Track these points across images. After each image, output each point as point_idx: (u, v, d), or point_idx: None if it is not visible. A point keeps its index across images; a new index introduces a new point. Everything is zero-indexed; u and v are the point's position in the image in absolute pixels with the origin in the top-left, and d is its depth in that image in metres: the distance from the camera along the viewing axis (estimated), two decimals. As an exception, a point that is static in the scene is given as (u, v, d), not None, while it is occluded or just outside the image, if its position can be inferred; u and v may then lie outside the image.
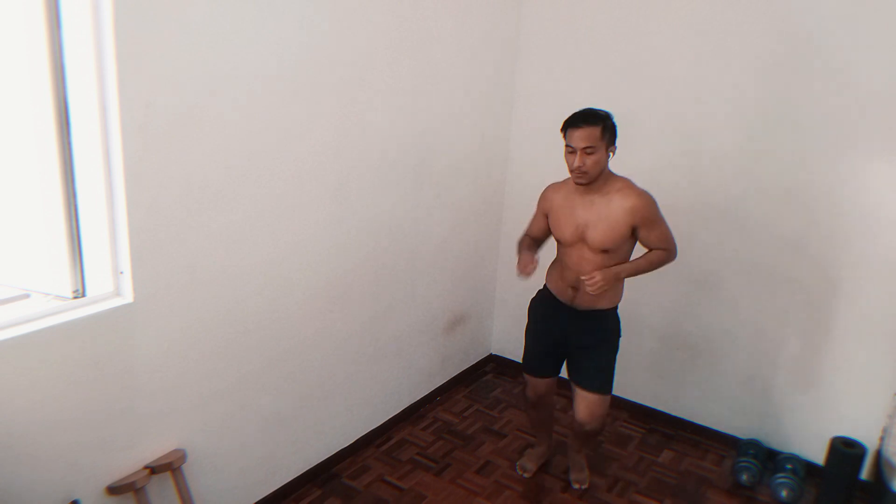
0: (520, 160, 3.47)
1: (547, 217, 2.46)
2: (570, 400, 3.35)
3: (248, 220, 2.12)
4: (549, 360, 2.59)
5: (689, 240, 3.00)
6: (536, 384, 2.63)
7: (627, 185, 2.27)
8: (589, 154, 2.18)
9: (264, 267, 2.22)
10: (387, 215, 2.73)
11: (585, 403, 2.45)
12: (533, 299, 2.62)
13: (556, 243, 2.48)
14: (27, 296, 1.79)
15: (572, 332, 2.46)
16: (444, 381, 3.45)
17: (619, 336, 2.47)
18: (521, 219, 3.52)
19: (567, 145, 2.23)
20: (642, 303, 3.11)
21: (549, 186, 2.47)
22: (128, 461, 1.92)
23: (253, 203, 2.12)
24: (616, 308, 2.45)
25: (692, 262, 3.03)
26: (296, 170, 2.25)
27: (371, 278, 2.73)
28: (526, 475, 2.76)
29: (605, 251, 2.28)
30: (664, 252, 2.31)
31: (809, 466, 2.81)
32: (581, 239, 2.32)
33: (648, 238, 2.28)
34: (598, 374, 2.44)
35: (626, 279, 2.35)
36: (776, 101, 2.70)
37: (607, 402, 2.47)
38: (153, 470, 1.95)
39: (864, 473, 2.69)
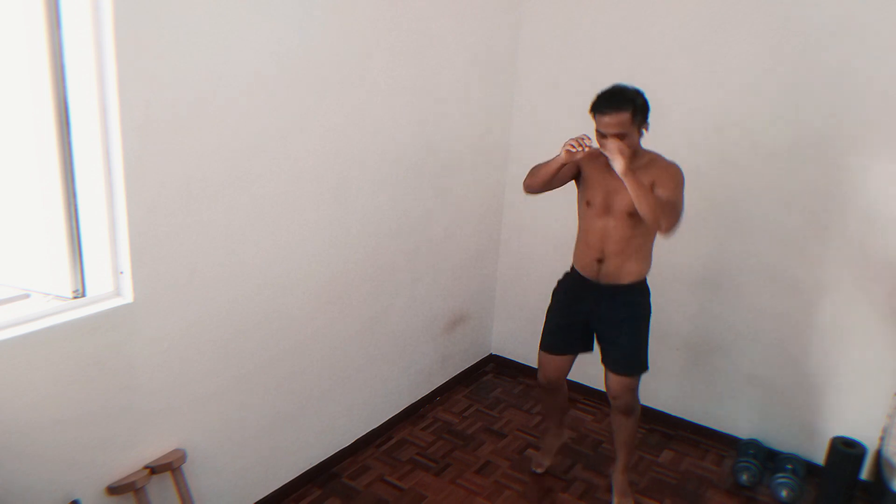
0: (520, 160, 3.47)
1: (579, 168, 2.36)
2: (572, 401, 3.37)
3: (248, 220, 2.12)
4: (567, 337, 2.52)
5: (689, 240, 3.00)
6: (548, 365, 2.57)
7: (656, 158, 2.26)
8: (620, 139, 2.12)
9: (264, 267, 2.22)
10: (386, 215, 2.73)
11: (615, 382, 2.43)
12: (559, 280, 2.57)
13: (579, 219, 2.43)
14: (27, 296, 1.79)
15: (598, 310, 2.41)
16: (444, 381, 3.45)
17: (648, 311, 2.41)
18: (521, 219, 3.54)
19: (597, 129, 2.17)
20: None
21: (584, 136, 2.32)
22: (128, 461, 1.92)
23: (253, 203, 2.12)
24: (643, 281, 2.40)
25: (693, 263, 3.04)
26: (295, 169, 2.25)
27: (371, 278, 2.73)
28: (540, 471, 2.75)
29: (630, 215, 2.24)
30: (668, 205, 2.17)
31: (809, 466, 2.81)
32: (607, 210, 2.29)
33: (658, 193, 2.20)
34: (626, 356, 2.40)
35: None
36: (784, 100, 2.70)
37: (636, 381, 2.44)
38: (153, 470, 1.95)
39: (864, 473, 2.69)
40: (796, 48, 2.63)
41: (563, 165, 2.26)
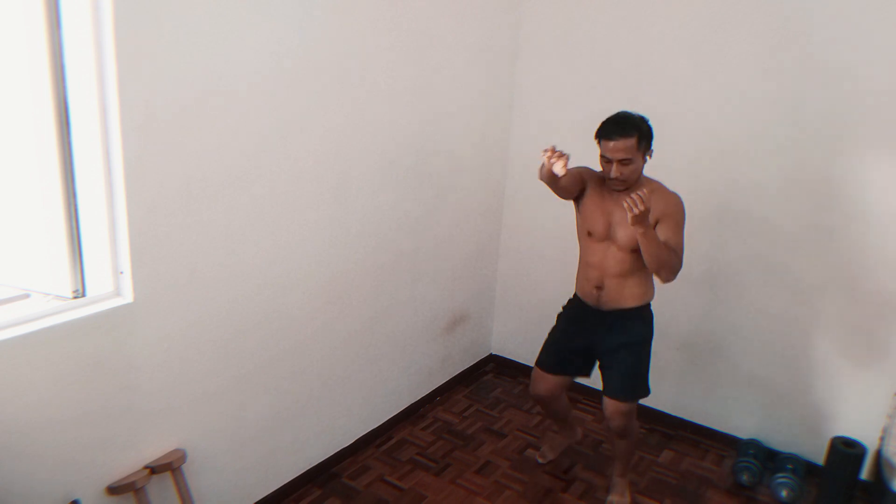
0: (520, 160, 3.47)
1: (583, 183, 2.35)
2: (572, 401, 3.38)
3: (248, 220, 2.12)
4: (564, 358, 2.55)
5: (689, 240, 2.99)
6: (540, 381, 2.58)
7: (659, 187, 2.26)
8: (626, 165, 2.15)
9: (264, 267, 2.22)
10: (386, 215, 2.73)
11: (609, 405, 2.44)
12: (563, 306, 2.60)
13: (580, 246, 2.44)
14: (27, 296, 1.79)
15: (599, 336, 2.42)
16: (444, 381, 3.45)
17: (649, 337, 2.41)
18: (521, 219, 3.54)
19: (602, 155, 2.19)
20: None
21: (589, 169, 2.38)
22: (128, 461, 1.92)
23: (253, 203, 2.12)
24: (646, 306, 2.40)
25: (693, 263, 3.03)
26: (295, 169, 2.25)
27: (371, 278, 2.73)
28: (542, 461, 2.78)
29: (633, 251, 2.25)
30: (672, 254, 2.18)
31: (809, 466, 2.81)
32: (608, 237, 2.31)
33: (659, 231, 2.21)
34: (622, 381, 2.39)
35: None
36: (779, 100, 2.70)
37: (631, 406, 2.42)
38: (153, 470, 1.95)
39: (864, 473, 2.69)
40: (796, 48, 2.63)
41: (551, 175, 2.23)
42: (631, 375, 2.39)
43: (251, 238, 2.15)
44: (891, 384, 2.63)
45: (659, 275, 2.20)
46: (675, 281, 3.03)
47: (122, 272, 1.83)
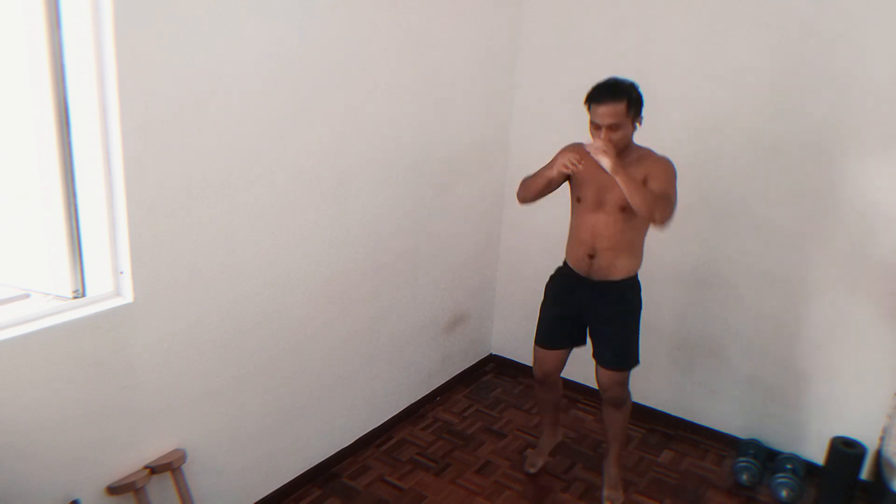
0: (520, 160, 3.47)
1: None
2: (572, 401, 3.38)
3: (249, 220, 2.12)
4: (560, 331, 2.56)
5: (689, 240, 3.00)
6: (543, 358, 2.60)
7: (648, 153, 2.27)
8: (614, 130, 2.15)
9: (264, 267, 2.22)
10: (387, 215, 2.73)
11: (604, 375, 2.46)
12: (552, 275, 2.60)
13: (571, 214, 2.45)
14: (27, 296, 1.79)
15: (589, 305, 2.44)
16: (444, 381, 3.45)
17: (639, 307, 2.43)
18: (520, 219, 3.53)
19: (591, 121, 2.19)
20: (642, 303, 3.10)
21: (577, 144, 2.37)
22: (128, 461, 1.92)
23: (253, 203, 2.12)
24: (634, 277, 2.41)
25: (692, 262, 3.03)
26: (296, 169, 2.25)
27: (371, 278, 2.73)
28: (532, 471, 2.76)
29: (622, 210, 2.25)
30: (662, 198, 2.16)
31: (809, 466, 2.81)
32: (600, 204, 2.31)
33: (651, 186, 2.21)
34: (616, 350, 2.42)
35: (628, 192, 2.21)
36: (780, 100, 2.70)
37: (626, 375, 2.46)
38: (153, 470, 1.95)
39: (864, 473, 2.69)
40: (796, 48, 2.63)
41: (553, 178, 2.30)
42: (624, 346, 2.42)
43: (251, 238, 2.15)
44: (891, 384, 2.63)
45: (654, 218, 2.15)
46: (676, 281, 3.07)
47: (122, 272, 1.83)
